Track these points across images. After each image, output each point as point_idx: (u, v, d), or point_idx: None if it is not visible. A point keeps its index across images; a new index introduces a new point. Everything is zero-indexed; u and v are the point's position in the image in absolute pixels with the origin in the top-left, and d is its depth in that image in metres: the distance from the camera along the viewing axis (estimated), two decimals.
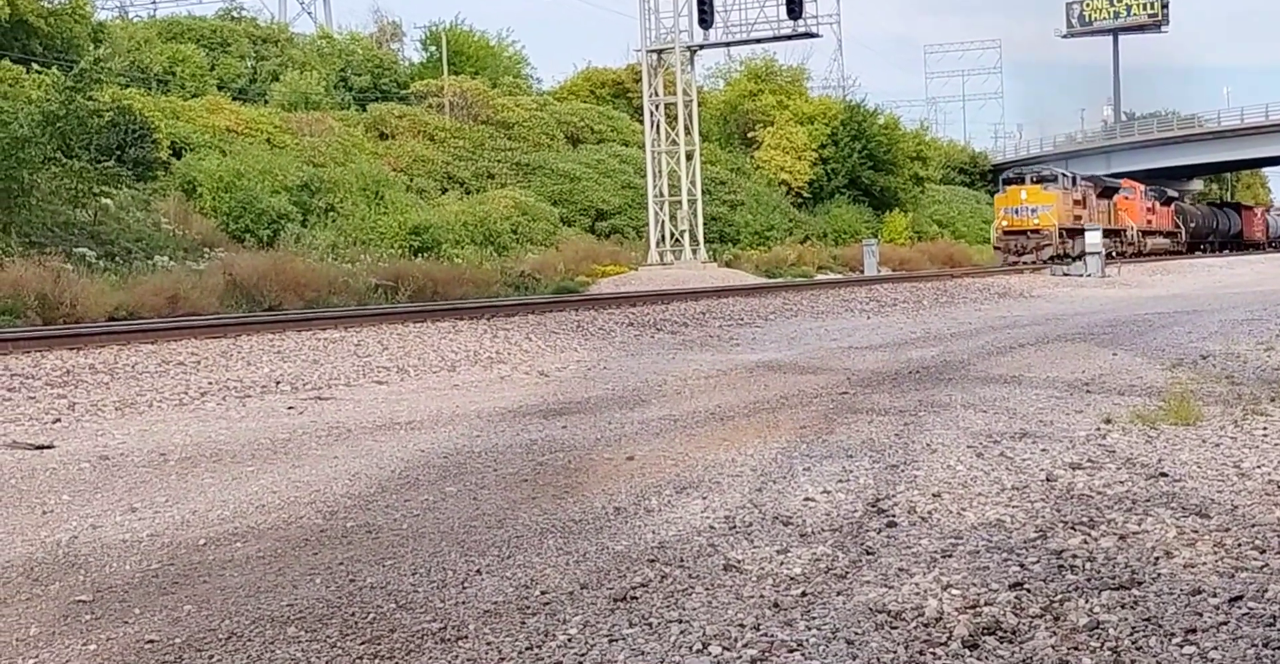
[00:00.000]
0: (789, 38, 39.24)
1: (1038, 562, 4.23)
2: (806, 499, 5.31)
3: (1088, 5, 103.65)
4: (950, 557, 4.33)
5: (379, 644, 3.64)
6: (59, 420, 8.35)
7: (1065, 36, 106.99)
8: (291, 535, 4.95)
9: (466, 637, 3.67)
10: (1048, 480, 5.55)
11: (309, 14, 75.19)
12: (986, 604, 3.80)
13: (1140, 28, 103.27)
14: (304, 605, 4.00)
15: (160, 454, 6.96)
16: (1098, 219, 44.16)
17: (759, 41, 41.84)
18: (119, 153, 29.14)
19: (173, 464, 6.66)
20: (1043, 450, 6.33)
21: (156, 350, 11.99)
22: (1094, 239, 34.61)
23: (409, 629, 3.75)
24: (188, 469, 6.49)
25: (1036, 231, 41.11)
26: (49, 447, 7.24)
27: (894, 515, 4.97)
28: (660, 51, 38.09)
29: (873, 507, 5.13)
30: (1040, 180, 42.72)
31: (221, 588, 4.23)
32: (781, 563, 4.32)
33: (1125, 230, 49.40)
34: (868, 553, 4.42)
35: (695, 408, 8.50)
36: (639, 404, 8.83)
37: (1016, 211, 41.92)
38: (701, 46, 39.64)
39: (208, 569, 4.48)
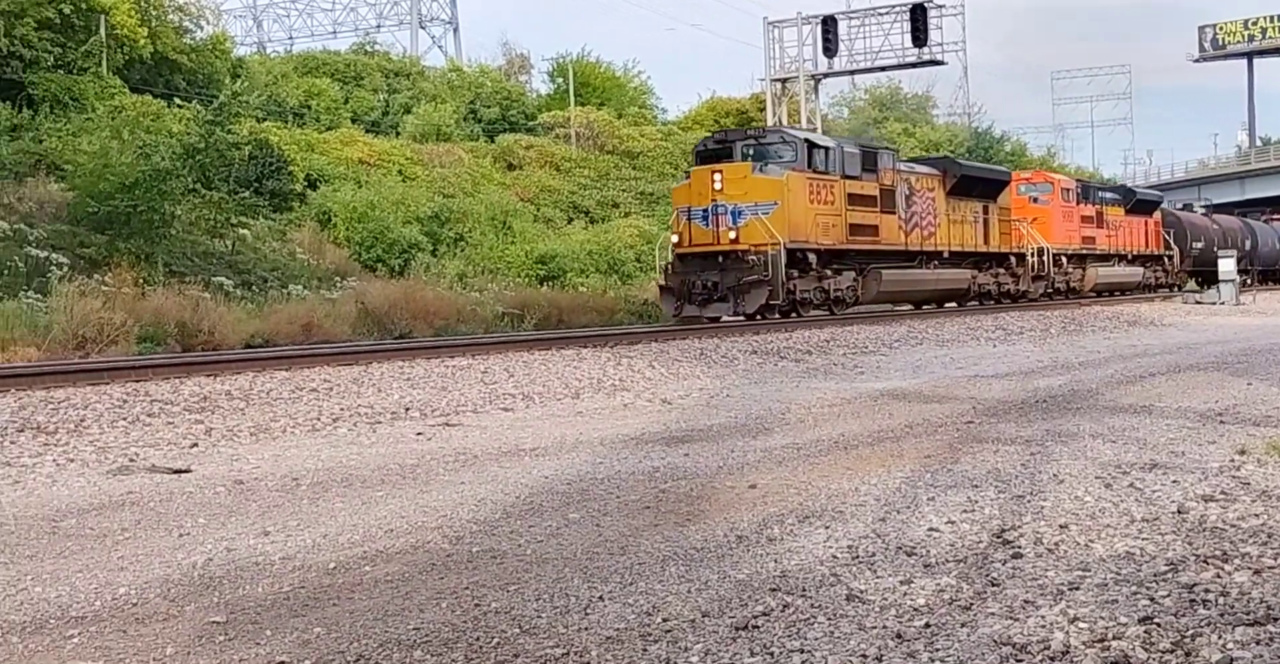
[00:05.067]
0: (914, 65, 39.09)
1: (1168, 595, 4.14)
2: (930, 529, 5.26)
3: (1221, 29, 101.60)
4: (1077, 589, 4.26)
5: None
6: (196, 445, 8.58)
7: (1198, 61, 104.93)
8: (419, 560, 5.03)
9: (589, 662, 3.70)
10: (1179, 512, 5.44)
11: (440, 48, 76.69)
12: (1115, 638, 3.73)
13: (1276, 51, 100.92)
14: (430, 629, 4.06)
15: (293, 479, 7.11)
16: (946, 233, 26.21)
17: (883, 69, 41.77)
18: (256, 184, 29.93)
19: (304, 488, 6.80)
20: (1174, 482, 6.19)
21: (290, 377, 12.26)
22: (1228, 267, 33.65)
23: (532, 654, 3.79)
24: (319, 493, 6.63)
25: (736, 257, 21.36)
26: (186, 471, 7.44)
27: (1020, 546, 4.90)
28: (784, 80, 38.16)
29: (998, 537, 5.07)
30: (759, 154, 22.32)
31: (350, 611, 4.32)
32: (905, 593, 4.29)
33: (1023, 254, 29.94)
34: (993, 584, 4.36)
35: (818, 436, 8.47)
36: (762, 432, 8.81)
37: (704, 216, 21.95)
38: (826, 75, 39.67)
39: (337, 592, 4.57)
